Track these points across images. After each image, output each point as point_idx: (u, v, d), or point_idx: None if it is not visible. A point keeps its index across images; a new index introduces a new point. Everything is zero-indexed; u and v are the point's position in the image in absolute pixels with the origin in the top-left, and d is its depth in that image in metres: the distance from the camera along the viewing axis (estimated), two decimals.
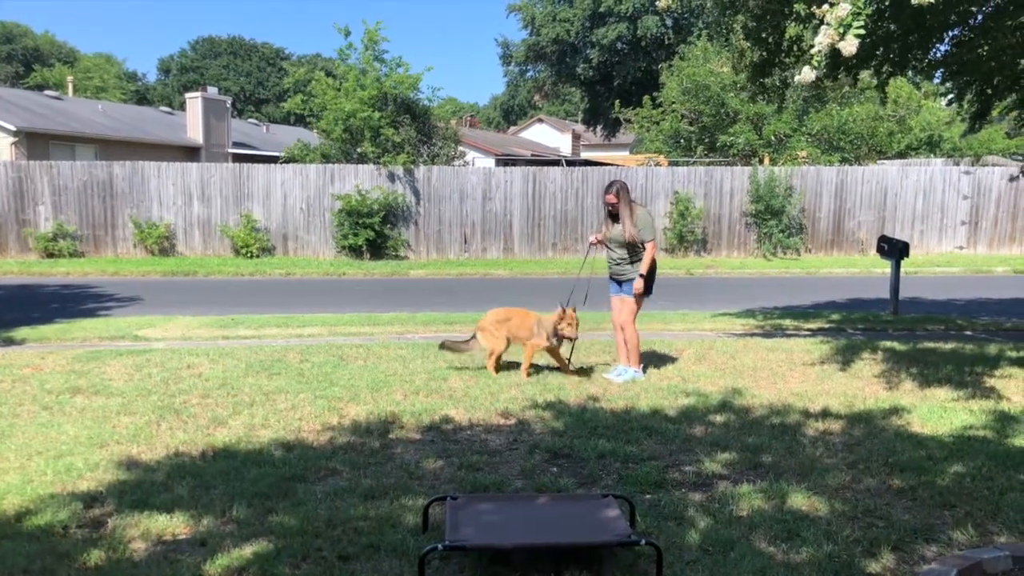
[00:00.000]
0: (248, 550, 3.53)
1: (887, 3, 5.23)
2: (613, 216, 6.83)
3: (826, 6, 4.56)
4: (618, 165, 25.37)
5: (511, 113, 62.00)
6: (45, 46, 58.20)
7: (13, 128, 22.47)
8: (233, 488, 4.23)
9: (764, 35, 7.31)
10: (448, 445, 5.03)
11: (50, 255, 18.03)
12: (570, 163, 27.28)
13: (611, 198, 6.76)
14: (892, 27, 6.54)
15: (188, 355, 7.66)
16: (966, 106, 7.83)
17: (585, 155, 43.93)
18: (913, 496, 4.16)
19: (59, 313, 10.95)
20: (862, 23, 4.49)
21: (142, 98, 53.13)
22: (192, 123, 29.09)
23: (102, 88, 49.23)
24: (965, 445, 4.93)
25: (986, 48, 6.91)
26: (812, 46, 4.71)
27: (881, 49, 6.83)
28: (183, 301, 12.27)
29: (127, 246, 18.61)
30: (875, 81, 7.78)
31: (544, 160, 30.79)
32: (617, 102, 28.33)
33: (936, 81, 8.08)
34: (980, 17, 6.83)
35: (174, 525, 3.79)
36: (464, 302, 11.96)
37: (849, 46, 4.42)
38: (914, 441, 5.04)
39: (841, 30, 4.44)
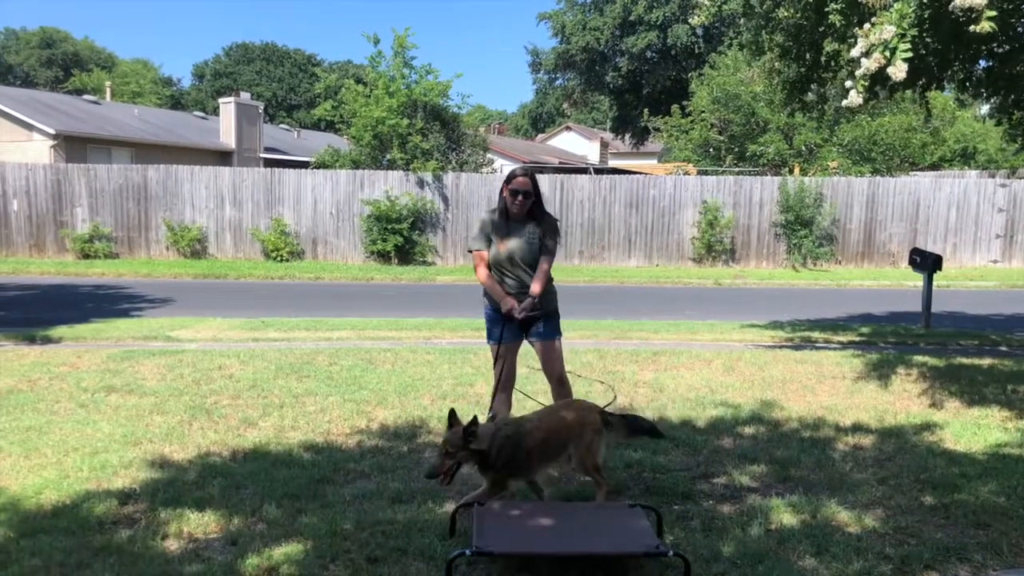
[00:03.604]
0: (278, 550, 3.57)
1: (926, 17, 5.14)
2: (518, 218, 4.67)
3: (867, 26, 4.47)
4: (646, 173, 25.29)
5: (539, 121, 62.09)
6: (84, 51, 59.53)
7: (52, 131, 23.00)
8: (263, 489, 4.29)
9: (801, 51, 7.22)
10: None
11: (86, 256, 18.39)
12: (598, 171, 27.23)
13: (525, 182, 4.60)
14: (929, 41, 6.45)
15: (219, 356, 7.77)
16: (1014, 122, 7.66)
17: (613, 163, 43.83)
18: (946, 514, 4.09)
19: (94, 313, 11.16)
20: (908, 45, 4.37)
21: (177, 103, 54.07)
22: (225, 128, 29.54)
23: (138, 93, 50.20)
24: (999, 463, 4.84)
25: None
26: (851, 61, 4.63)
27: (925, 68, 6.72)
28: (214, 303, 12.44)
29: (160, 248, 18.92)
30: (911, 95, 7.64)
31: (572, 168, 30.73)
32: (646, 110, 28.34)
33: (981, 96, 7.89)
34: (1020, 29, 6.70)
35: (206, 523, 3.86)
36: None
37: (899, 72, 4.29)
38: (947, 458, 4.96)
39: (887, 54, 4.32)
